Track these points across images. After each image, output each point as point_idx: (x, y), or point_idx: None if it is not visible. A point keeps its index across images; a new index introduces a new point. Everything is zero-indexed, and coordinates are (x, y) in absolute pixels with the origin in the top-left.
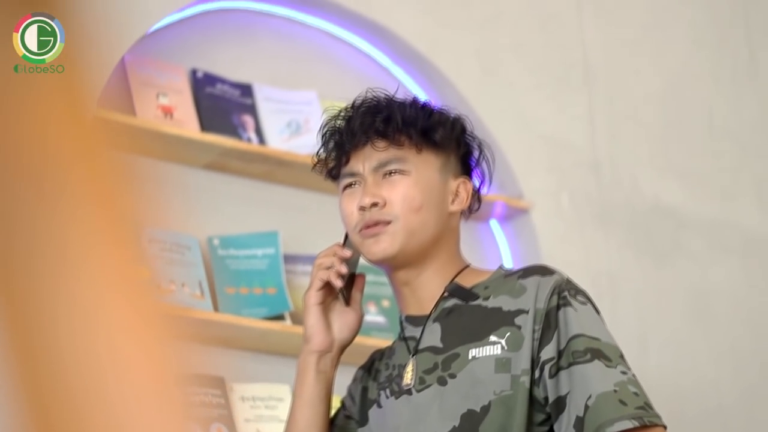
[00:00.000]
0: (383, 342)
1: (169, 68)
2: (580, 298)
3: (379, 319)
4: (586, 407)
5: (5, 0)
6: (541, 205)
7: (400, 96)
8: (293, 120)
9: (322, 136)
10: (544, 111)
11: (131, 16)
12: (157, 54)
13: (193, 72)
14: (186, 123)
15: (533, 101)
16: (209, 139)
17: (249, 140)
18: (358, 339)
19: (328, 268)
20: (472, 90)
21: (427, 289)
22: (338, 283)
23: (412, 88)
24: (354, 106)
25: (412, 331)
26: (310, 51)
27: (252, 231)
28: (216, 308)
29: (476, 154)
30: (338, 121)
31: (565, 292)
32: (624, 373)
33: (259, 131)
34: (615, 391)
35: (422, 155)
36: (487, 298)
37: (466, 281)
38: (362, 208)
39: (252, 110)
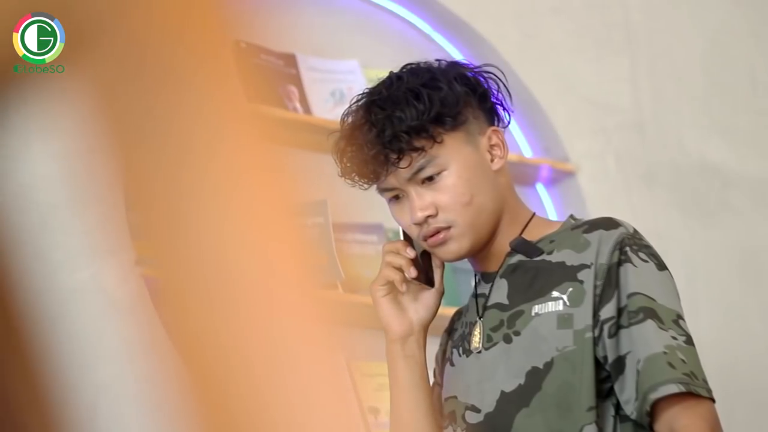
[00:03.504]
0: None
1: None
2: (642, 254)
3: None
4: (637, 372)
5: (5, 0)
6: (587, 168)
7: (386, 85)
8: (337, 89)
9: (342, 170)
10: (586, 73)
11: None
12: None
13: (237, 43)
14: None
15: (576, 63)
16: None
17: (295, 110)
18: None
19: (397, 266)
20: (513, 54)
21: (498, 247)
22: (402, 288)
23: (452, 53)
24: (352, 134)
25: (483, 288)
26: (350, 20)
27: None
28: None
29: (486, 87)
30: (347, 158)
31: (627, 248)
32: (674, 338)
33: (303, 101)
34: (665, 353)
35: (445, 143)
36: (551, 253)
37: (533, 234)
38: (418, 224)
39: (296, 80)
